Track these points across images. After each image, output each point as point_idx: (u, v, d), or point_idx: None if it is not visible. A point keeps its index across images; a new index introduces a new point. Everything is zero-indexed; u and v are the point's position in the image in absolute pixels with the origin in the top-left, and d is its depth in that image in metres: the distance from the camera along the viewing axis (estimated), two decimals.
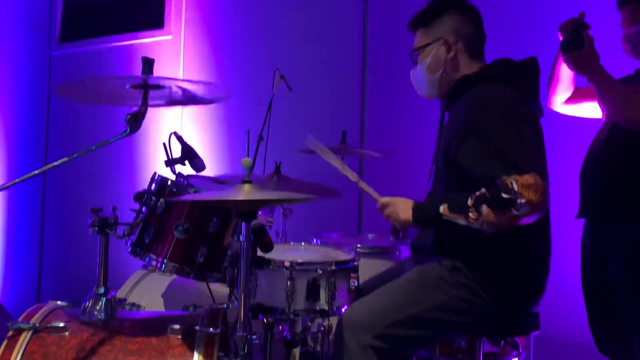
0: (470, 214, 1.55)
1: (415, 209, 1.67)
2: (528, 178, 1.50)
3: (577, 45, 1.78)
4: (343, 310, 1.77)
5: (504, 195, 1.50)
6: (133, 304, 2.09)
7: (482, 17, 1.83)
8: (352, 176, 1.88)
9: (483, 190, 1.55)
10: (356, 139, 3.21)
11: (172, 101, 2.03)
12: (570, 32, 1.81)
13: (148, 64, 1.66)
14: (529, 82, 1.75)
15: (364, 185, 1.87)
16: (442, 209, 1.60)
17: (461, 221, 1.57)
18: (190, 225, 1.77)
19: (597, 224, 1.98)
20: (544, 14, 2.74)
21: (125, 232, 1.77)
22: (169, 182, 1.82)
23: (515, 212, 1.51)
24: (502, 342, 1.85)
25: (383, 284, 1.77)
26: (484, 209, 1.53)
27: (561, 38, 1.87)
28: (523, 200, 1.49)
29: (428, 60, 1.80)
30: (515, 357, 1.95)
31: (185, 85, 1.86)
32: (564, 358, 2.55)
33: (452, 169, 1.68)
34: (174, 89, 1.85)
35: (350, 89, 3.28)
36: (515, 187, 1.50)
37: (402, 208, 1.69)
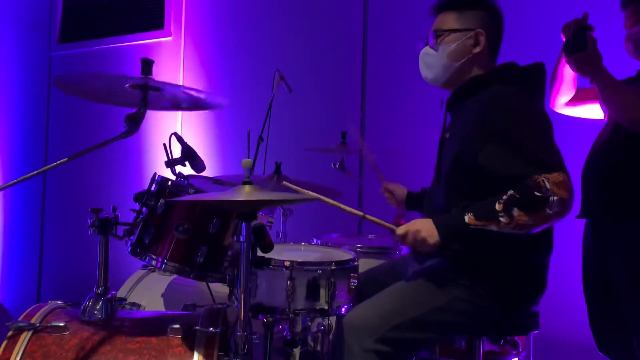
0: (502, 219, 1.53)
1: (439, 227, 1.61)
2: (557, 176, 1.50)
3: (580, 47, 1.78)
4: (343, 310, 1.77)
5: (537, 194, 1.50)
6: (133, 304, 2.09)
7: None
8: (357, 213, 1.81)
9: (511, 192, 1.54)
10: (356, 139, 3.21)
11: (172, 105, 2.03)
12: (573, 33, 1.81)
13: (147, 65, 1.66)
14: (537, 86, 1.75)
15: (373, 219, 1.77)
16: (468, 218, 1.57)
17: (491, 227, 1.55)
18: (190, 225, 1.77)
19: (598, 224, 1.98)
20: (547, 15, 2.74)
21: (126, 233, 1.77)
22: (169, 183, 1.82)
23: (548, 210, 1.51)
24: (502, 341, 1.86)
25: (383, 280, 1.77)
26: (516, 211, 1.52)
27: (564, 39, 1.87)
28: (556, 198, 1.49)
29: (452, 46, 1.77)
30: (515, 356, 1.95)
31: (186, 91, 1.86)
32: (564, 358, 2.55)
33: (464, 172, 1.66)
34: (174, 93, 1.85)
35: (350, 89, 3.29)
36: (548, 185, 1.50)
37: (426, 232, 1.61)
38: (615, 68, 1.87)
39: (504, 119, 1.60)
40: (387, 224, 1.74)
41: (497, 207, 1.54)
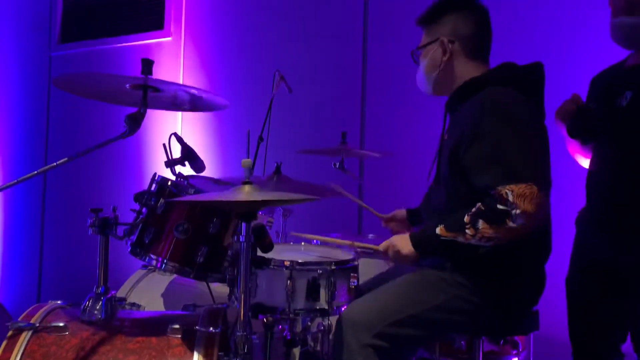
0: (467, 231, 1.55)
1: (413, 239, 1.67)
2: (524, 188, 1.49)
3: (583, 128, 1.83)
4: (343, 309, 1.77)
5: (499, 207, 1.51)
6: (133, 304, 2.09)
7: (489, 16, 1.82)
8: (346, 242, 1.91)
9: (478, 204, 1.56)
10: (356, 139, 3.22)
11: (172, 106, 2.04)
12: (575, 116, 1.83)
13: (147, 65, 1.67)
14: (534, 86, 1.74)
15: (360, 244, 1.87)
16: (439, 230, 1.60)
17: (459, 239, 1.58)
18: (190, 225, 1.77)
19: (603, 228, 1.91)
20: (547, 16, 2.74)
21: (126, 232, 1.77)
22: (169, 183, 1.82)
23: (511, 223, 1.51)
24: (502, 341, 1.86)
25: (383, 284, 1.77)
26: (480, 223, 1.54)
27: (564, 123, 1.88)
28: (518, 211, 1.49)
29: (427, 60, 1.82)
30: (515, 356, 1.96)
31: (186, 90, 1.87)
32: (564, 358, 2.55)
33: (458, 172, 1.67)
34: (175, 93, 1.86)
35: (350, 89, 3.29)
36: (511, 198, 1.50)
37: (402, 244, 1.69)
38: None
39: (490, 120, 1.60)
40: (372, 246, 1.83)
41: (465, 219, 1.56)
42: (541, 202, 1.51)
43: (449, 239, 1.59)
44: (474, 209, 1.56)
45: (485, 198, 1.55)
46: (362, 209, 3.23)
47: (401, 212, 2.15)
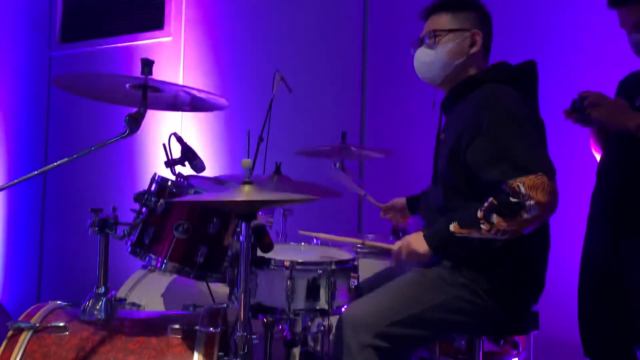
0: (482, 226, 1.56)
1: (427, 238, 1.68)
2: (534, 179, 1.51)
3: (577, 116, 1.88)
4: (343, 309, 1.77)
5: (512, 200, 1.52)
6: (133, 304, 2.09)
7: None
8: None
9: (490, 199, 1.56)
10: (356, 139, 3.22)
11: (172, 106, 2.04)
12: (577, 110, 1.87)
13: (147, 65, 1.67)
14: (529, 84, 1.76)
15: (371, 243, 1.94)
16: (453, 227, 1.60)
17: (474, 235, 1.58)
18: (190, 225, 1.77)
19: (617, 230, 1.91)
20: (542, 16, 2.74)
21: (125, 233, 1.77)
22: (169, 183, 1.82)
23: (525, 215, 1.52)
24: (502, 341, 1.85)
25: (383, 282, 1.77)
26: (495, 218, 1.54)
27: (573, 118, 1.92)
28: (532, 202, 1.50)
29: (450, 45, 1.78)
30: (515, 356, 1.95)
31: (186, 90, 1.87)
32: (564, 358, 2.55)
33: (458, 169, 1.68)
34: (175, 93, 1.86)
35: (350, 89, 3.29)
36: (523, 190, 1.51)
37: (416, 243, 1.69)
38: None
39: (492, 117, 1.61)
40: (384, 245, 1.84)
41: (479, 214, 1.57)
42: (552, 190, 1.52)
43: (464, 236, 1.60)
44: (486, 204, 1.56)
45: (496, 193, 1.56)
46: (362, 210, 3.23)
47: (400, 201, 2.17)
